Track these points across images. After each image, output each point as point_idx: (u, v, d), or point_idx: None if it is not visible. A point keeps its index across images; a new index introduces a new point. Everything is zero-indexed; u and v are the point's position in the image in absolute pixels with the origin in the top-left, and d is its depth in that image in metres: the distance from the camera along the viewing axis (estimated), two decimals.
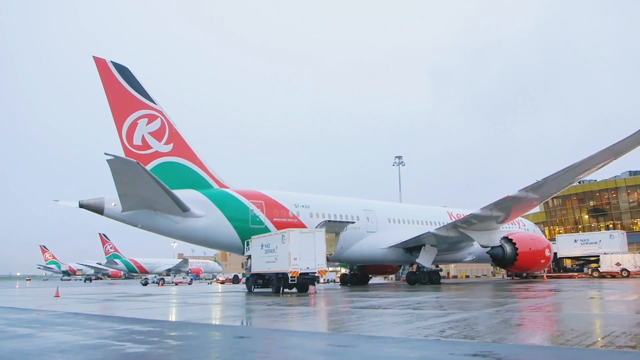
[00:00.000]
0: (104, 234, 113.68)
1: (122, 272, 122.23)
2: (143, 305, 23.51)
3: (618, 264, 55.98)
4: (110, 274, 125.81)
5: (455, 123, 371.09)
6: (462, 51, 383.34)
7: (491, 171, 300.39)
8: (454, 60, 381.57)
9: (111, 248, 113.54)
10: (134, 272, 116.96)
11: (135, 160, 29.05)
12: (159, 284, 73.91)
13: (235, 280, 76.92)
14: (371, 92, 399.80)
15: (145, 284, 74.98)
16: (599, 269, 57.67)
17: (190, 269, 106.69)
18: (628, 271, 54.80)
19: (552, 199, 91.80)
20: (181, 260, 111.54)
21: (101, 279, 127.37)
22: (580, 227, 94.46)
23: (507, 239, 44.77)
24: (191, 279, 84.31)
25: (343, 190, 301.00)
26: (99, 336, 11.08)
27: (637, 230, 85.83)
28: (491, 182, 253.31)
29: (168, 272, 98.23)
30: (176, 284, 73.73)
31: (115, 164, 28.18)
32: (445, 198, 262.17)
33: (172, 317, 17.11)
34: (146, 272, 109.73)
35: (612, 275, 55.19)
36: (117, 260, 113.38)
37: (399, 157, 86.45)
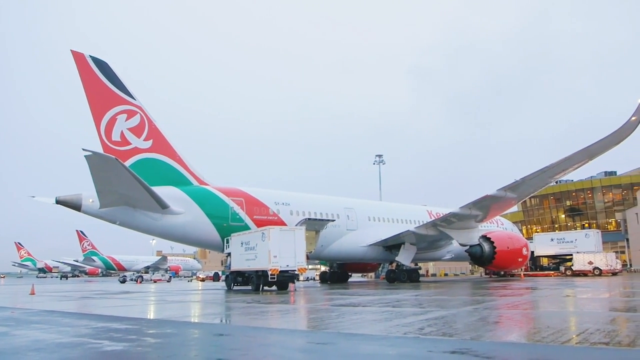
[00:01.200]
0: (81, 231, 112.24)
1: (99, 270, 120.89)
2: (121, 303, 23.27)
3: (590, 263, 57.05)
4: (87, 271, 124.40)
5: (435, 122, 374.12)
6: (443, 51, 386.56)
7: (471, 170, 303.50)
8: (435, 60, 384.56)
9: (88, 245, 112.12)
10: (111, 269, 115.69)
11: (113, 156, 28.70)
12: (137, 281, 73.19)
13: (216, 277, 76.58)
14: (352, 90, 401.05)
15: (123, 281, 74.19)
16: (572, 267, 58.70)
17: (169, 267, 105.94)
18: (600, 269, 55.86)
19: (530, 198, 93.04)
20: (160, 257, 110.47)
21: (78, 276, 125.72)
22: (557, 226, 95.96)
23: (485, 237, 45.26)
24: (170, 277, 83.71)
25: (324, 188, 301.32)
26: (76, 334, 10.92)
27: (612, 229, 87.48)
28: (470, 181, 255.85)
29: (146, 269, 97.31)
30: (155, 282, 73.17)
31: (93, 159, 27.78)
32: (425, 197, 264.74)
33: (151, 315, 16.96)
34: (124, 270, 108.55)
35: (585, 274, 56.19)
36: (94, 258, 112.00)
37: (380, 156, 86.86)
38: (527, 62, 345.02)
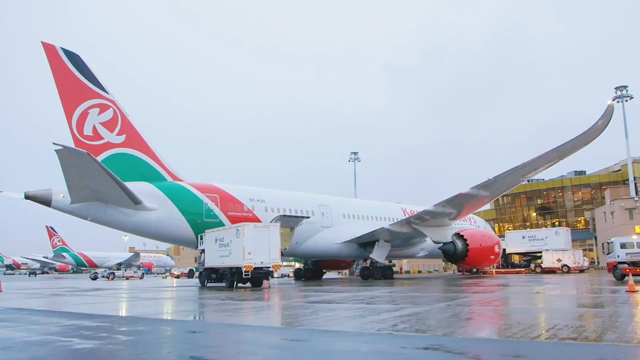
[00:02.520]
0: (51, 227, 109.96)
1: (70, 266, 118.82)
2: (92, 300, 22.94)
3: (559, 260, 58.25)
4: (57, 268, 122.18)
5: (410, 120, 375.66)
6: (418, 49, 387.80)
7: (445, 169, 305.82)
8: (411, 58, 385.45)
9: (59, 241, 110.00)
10: (82, 266, 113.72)
11: (85, 151, 28.18)
12: (109, 278, 72.14)
13: (191, 274, 75.96)
14: (327, 87, 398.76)
15: (95, 278, 73.17)
16: (541, 265, 59.84)
17: (141, 263, 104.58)
18: (568, 267, 57.06)
19: (502, 196, 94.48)
20: (132, 254, 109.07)
21: (47, 273, 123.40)
22: (528, 224, 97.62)
23: (458, 235, 45.81)
24: (143, 273, 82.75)
25: (298, 185, 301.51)
26: (45, 332, 10.73)
27: (581, 227, 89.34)
28: (445, 179, 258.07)
29: (119, 266, 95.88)
30: (127, 279, 72.25)
31: (64, 154, 27.23)
32: (400, 194, 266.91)
33: (123, 312, 16.76)
34: (96, 266, 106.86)
35: (554, 271, 57.34)
36: (64, 254, 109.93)
37: (355, 153, 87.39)
38: (502, 62, 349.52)
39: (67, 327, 11.48)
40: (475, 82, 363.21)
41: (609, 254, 36.91)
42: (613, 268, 33.90)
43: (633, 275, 30.42)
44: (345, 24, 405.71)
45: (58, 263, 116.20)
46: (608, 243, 37.68)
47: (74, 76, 33.17)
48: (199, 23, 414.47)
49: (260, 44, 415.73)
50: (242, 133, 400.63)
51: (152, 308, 18.48)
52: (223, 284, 32.77)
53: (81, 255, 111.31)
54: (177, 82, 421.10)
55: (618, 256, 34.43)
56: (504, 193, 62.00)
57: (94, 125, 33.60)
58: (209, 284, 34.92)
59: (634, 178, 74.67)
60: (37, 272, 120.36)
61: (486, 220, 72.43)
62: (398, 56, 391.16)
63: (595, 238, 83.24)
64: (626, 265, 32.55)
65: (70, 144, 31.70)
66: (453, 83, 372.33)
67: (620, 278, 32.21)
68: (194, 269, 77.48)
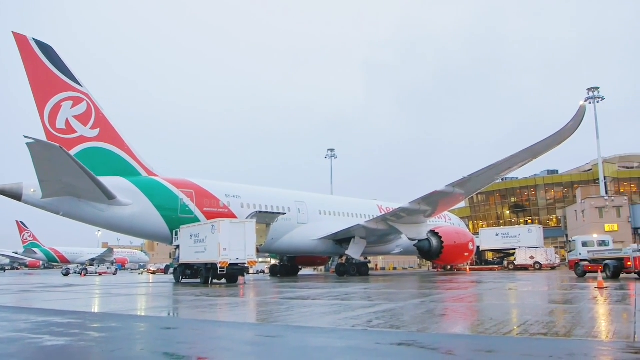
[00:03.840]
0: (21, 222, 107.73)
1: (41, 262, 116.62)
2: (63, 297, 22.56)
3: (531, 257, 59.32)
4: (27, 263, 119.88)
5: (387, 117, 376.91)
6: (396, 46, 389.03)
7: (421, 166, 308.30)
8: (388, 55, 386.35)
9: (29, 236, 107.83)
10: (54, 261, 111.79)
11: (57, 145, 27.62)
12: (81, 274, 71.11)
13: (167, 270, 75.29)
14: (305, 82, 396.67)
15: (67, 274, 72.01)
16: (514, 262, 60.88)
17: (115, 259, 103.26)
18: (540, 264, 58.13)
19: (477, 194, 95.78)
20: (106, 249, 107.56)
21: (17, 269, 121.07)
22: (502, 221, 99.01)
23: (433, 232, 46.22)
24: (116, 269, 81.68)
25: (275, 181, 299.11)
26: (14, 329, 10.50)
27: (553, 225, 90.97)
28: (421, 177, 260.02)
29: (91, 261, 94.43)
30: (100, 274, 71.35)
31: (35, 148, 26.66)
32: (376, 191, 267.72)
33: (95, 309, 16.52)
34: (68, 262, 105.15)
35: (526, 268, 58.35)
36: (35, 250, 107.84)
37: (331, 150, 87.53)
38: (478, 61, 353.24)
39: (37, 324, 11.27)
40: (452, 80, 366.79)
41: (570, 251, 38.48)
42: (575, 265, 35.37)
43: (594, 272, 31.62)
44: (324, 19, 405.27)
45: (28, 259, 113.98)
46: (570, 241, 39.36)
47: (46, 68, 32.50)
48: (178, 11, 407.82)
49: (238, 37, 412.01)
50: (217, 126, 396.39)
51: (126, 304, 18.26)
52: (198, 280, 32.56)
53: (53, 250, 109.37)
54: (152, 70, 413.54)
55: (580, 254, 35.89)
56: (479, 191, 62.88)
57: (67, 119, 32.99)
58: (183, 280, 34.68)
59: (604, 177, 76.38)
60: (7, 268, 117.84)
61: (461, 218, 73.26)
62: (376, 53, 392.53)
63: (567, 236, 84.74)
64: (587, 262, 33.86)
65: (43, 137, 31.09)
66: (430, 81, 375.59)
67: (582, 275, 33.65)
68: (171, 265, 76.88)
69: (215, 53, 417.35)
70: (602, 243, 37.90)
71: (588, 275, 33.76)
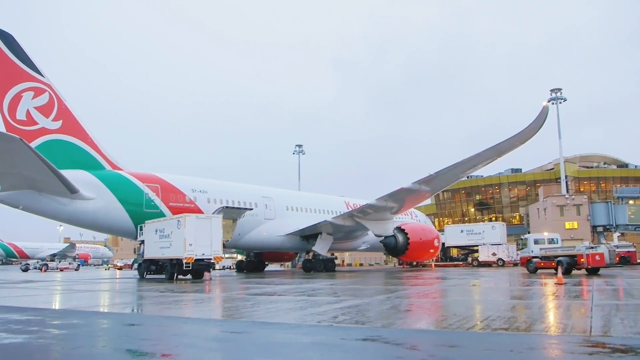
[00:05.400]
0: None
1: None
2: (22, 293, 21.99)
3: (494, 254, 60.61)
4: None
5: (356, 114, 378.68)
6: (366, 43, 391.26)
7: (389, 163, 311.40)
8: (359, 52, 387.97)
9: None
10: (13, 257, 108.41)
11: (17, 136, 26.77)
12: (41, 269, 69.33)
13: (134, 265, 74.07)
14: (274, 77, 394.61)
15: (26, 269, 70.23)
16: (478, 258, 62.12)
17: (77, 254, 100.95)
18: (503, 260, 59.43)
19: (443, 192, 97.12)
20: (68, 244, 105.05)
21: None
22: (467, 219, 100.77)
23: (399, 229, 46.64)
24: (78, 265, 80.00)
25: (242, 177, 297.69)
26: None
27: (516, 223, 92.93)
28: (388, 173, 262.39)
29: (52, 257, 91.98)
30: (61, 270, 69.66)
31: None
32: (344, 188, 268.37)
33: (56, 305, 16.17)
34: (27, 257, 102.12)
35: (489, 264, 59.57)
36: None
37: (300, 146, 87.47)
38: (448, 59, 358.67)
39: None
40: (422, 78, 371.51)
41: (522, 249, 40.04)
42: (527, 262, 36.47)
43: (545, 268, 34.07)
44: (294, 14, 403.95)
45: None
46: (522, 239, 41.25)
47: (5, 57, 31.56)
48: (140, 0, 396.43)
49: (210, 27, 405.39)
50: (182, 118, 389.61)
51: (88, 300, 17.90)
52: (163, 276, 32.17)
53: (11, 245, 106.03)
54: (122, 55, 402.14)
55: (532, 251, 37.27)
56: (445, 188, 63.86)
57: (28, 110, 32.11)
58: (148, 276, 34.21)
59: (566, 177, 78.43)
60: None
61: (427, 215, 74.21)
62: (346, 49, 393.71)
63: (529, 233, 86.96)
64: (539, 259, 35.00)
65: (2, 128, 30.21)
66: (400, 78, 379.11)
67: (534, 271, 34.75)
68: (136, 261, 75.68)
69: (185, 42, 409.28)
70: (552, 241, 39.85)
71: (540, 271, 34.83)
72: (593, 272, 31.64)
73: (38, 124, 32.41)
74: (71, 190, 31.22)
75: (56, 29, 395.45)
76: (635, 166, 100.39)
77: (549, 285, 21.29)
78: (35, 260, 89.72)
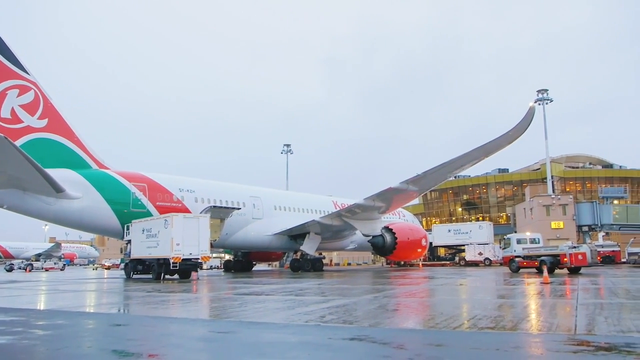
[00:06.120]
0: None
1: None
2: (6, 293, 21.74)
3: (480, 254, 61.00)
4: None
5: (346, 114, 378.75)
6: (357, 42, 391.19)
7: (378, 163, 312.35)
8: (349, 51, 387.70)
9: None
10: None
11: (2, 135, 26.51)
12: (26, 269, 68.65)
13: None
14: (264, 76, 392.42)
15: (10, 269, 69.53)
16: (465, 258, 62.48)
17: (63, 254, 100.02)
18: (490, 260, 59.80)
19: (430, 192, 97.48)
20: (53, 244, 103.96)
21: None
22: (454, 218, 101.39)
23: (387, 228, 46.71)
24: (64, 265, 79.25)
25: (230, 175, 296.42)
26: None
27: (503, 222, 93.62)
28: (376, 173, 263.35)
29: (38, 257, 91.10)
30: (46, 270, 69.01)
31: None
32: (332, 187, 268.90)
33: (41, 305, 16.01)
34: (12, 257, 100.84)
35: (476, 264, 59.93)
36: None
37: (288, 145, 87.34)
38: (438, 59, 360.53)
39: None
40: (411, 78, 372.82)
41: (504, 248, 40.48)
42: (509, 261, 36.87)
43: (528, 267, 34.67)
44: (284, 13, 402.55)
45: None
46: (505, 239, 41.78)
47: None
48: None
49: (196, 23, 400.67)
50: (170, 115, 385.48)
51: (73, 301, 17.74)
52: (150, 276, 31.96)
53: None
54: (110, 48, 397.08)
55: (515, 250, 37.73)
56: (432, 188, 64.00)
57: (13, 108, 31.76)
58: (135, 276, 33.99)
59: (552, 177, 79.17)
60: None
61: (414, 215, 74.44)
62: (336, 49, 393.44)
63: (516, 232, 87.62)
64: (521, 258, 35.45)
65: None
66: (390, 78, 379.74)
67: (516, 270, 35.20)
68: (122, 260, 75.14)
69: (175, 38, 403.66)
70: (534, 240, 40.58)
71: (522, 270, 35.19)
72: (575, 271, 32.08)
73: (23, 122, 32.07)
74: (57, 190, 30.94)
75: (51, 27, 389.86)
76: (620, 166, 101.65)
77: (534, 285, 21.46)
78: (20, 260, 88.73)
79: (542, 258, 32.92)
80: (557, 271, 33.12)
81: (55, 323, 10.69)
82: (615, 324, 9.27)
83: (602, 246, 54.97)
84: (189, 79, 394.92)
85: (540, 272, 31.96)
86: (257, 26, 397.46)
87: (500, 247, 46.27)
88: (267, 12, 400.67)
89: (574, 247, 33.24)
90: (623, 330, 8.54)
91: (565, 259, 31.53)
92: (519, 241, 39.32)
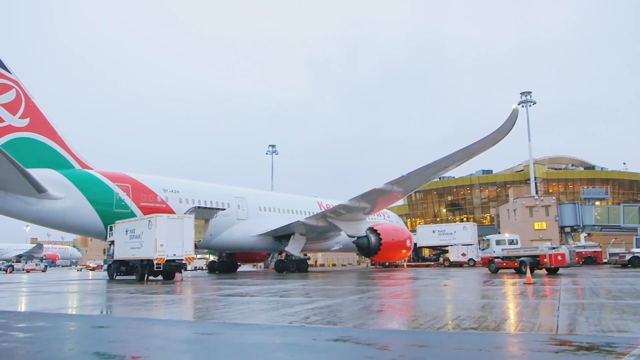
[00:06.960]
0: None
1: None
2: None
3: (464, 254, 61.44)
4: None
5: (330, 114, 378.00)
6: (341, 43, 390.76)
7: (362, 164, 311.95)
8: (333, 52, 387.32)
9: None
10: None
11: None
12: (6, 271, 67.73)
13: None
14: (247, 75, 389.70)
15: None
16: (449, 258, 62.89)
17: (45, 255, 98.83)
18: (474, 260, 60.21)
19: (415, 193, 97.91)
20: (35, 245, 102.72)
21: None
22: (438, 219, 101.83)
23: (372, 229, 46.84)
24: (45, 266, 78.28)
25: (214, 176, 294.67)
26: None
27: (487, 223, 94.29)
28: (362, 174, 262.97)
29: (19, 258, 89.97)
30: (27, 271, 68.13)
31: None
32: (317, 188, 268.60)
33: (21, 307, 15.79)
34: None
35: (460, 264, 60.34)
36: None
37: (273, 146, 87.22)
38: (421, 60, 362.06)
39: None
40: (395, 79, 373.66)
41: (484, 249, 40.77)
42: (488, 262, 37.33)
43: (506, 268, 35.24)
44: (268, 13, 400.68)
45: None
46: (484, 240, 42.16)
47: None
48: None
49: (179, 21, 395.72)
50: (152, 114, 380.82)
51: (55, 302, 17.54)
52: (133, 277, 31.71)
53: None
54: (95, 44, 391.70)
55: (494, 251, 38.06)
56: (417, 189, 64.41)
57: None
58: (118, 277, 33.69)
59: (535, 178, 79.92)
60: None
61: (399, 215, 74.73)
62: (320, 49, 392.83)
63: (500, 233, 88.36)
64: (500, 259, 35.96)
65: None
66: (373, 79, 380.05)
67: (495, 271, 35.70)
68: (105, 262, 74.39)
69: (157, 36, 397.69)
70: (512, 242, 41.07)
71: (501, 271, 35.56)
72: (553, 271, 32.51)
73: (4, 121, 31.64)
74: (38, 190, 30.56)
75: (45, 22, 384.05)
76: (602, 168, 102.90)
77: (517, 285, 21.66)
78: (0, 262, 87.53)
79: (522, 259, 33.38)
80: (536, 271, 33.48)
81: (36, 325, 10.56)
82: (596, 323, 9.39)
83: (584, 247, 55.63)
84: (173, 77, 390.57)
85: (519, 272, 32.47)
86: (242, 25, 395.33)
87: (479, 248, 46.69)
88: (252, 12, 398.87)
89: (554, 248, 33.72)
90: (604, 330, 8.66)
91: (545, 260, 32.04)
92: (497, 242, 39.74)
